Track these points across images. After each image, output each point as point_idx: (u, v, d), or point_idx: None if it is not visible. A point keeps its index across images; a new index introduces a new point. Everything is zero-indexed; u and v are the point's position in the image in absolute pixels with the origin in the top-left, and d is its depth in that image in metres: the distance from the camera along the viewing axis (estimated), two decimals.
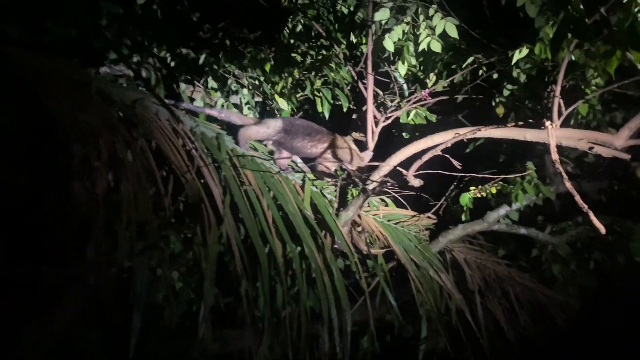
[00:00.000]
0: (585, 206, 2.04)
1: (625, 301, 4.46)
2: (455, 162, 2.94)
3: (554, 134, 2.25)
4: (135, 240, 2.91)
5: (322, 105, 5.20)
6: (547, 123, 2.28)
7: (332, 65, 5.35)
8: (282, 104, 4.43)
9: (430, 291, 3.75)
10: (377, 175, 3.73)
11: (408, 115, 4.56)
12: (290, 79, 5.06)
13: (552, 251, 4.26)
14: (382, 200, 4.46)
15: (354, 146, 4.12)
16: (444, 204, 4.39)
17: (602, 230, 2.04)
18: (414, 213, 4.39)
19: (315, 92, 5.36)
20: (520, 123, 3.07)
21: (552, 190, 3.82)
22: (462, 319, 3.79)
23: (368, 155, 4.10)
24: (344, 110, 5.31)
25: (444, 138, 3.52)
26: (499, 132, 3.29)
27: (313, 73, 5.31)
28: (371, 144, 4.18)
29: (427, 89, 4.31)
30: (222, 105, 4.49)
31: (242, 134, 4.01)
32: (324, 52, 5.34)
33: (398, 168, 3.27)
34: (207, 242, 3.22)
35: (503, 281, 4.25)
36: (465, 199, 3.94)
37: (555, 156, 2.21)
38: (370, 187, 3.70)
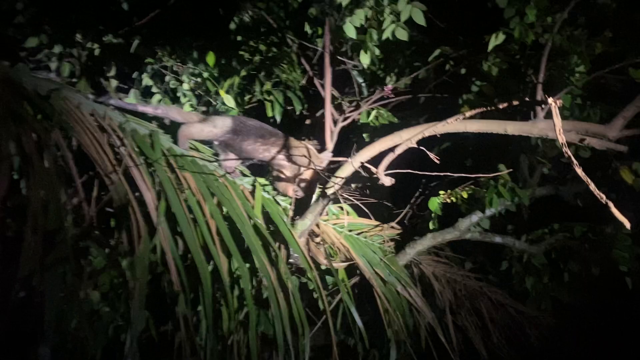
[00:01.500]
0: (604, 197, 1.64)
1: (601, 316, 4.17)
2: (432, 156, 2.51)
3: (557, 112, 1.86)
4: (41, 251, 2.31)
5: (272, 109, 4.74)
6: (550, 100, 1.89)
7: (284, 65, 4.91)
8: (229, 101, 3.92)
9: (399, 309, 3.30)
10: (337, 180, 3.27)
11: (368, 115, 4.14)
12: (237, 79, 4.58)
13: (526, 262, 3.91)
14: (342, 208, 4.00)
15: (311, 147, 3.65)
16: (409, 213, 3.98)
17: (627, 225, 1.65)
18: (377, 223, 3.95)
19: (266, 95, 4.91)
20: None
21: (528, 194, 3.48)
22: (434, 340, 3.35)
23: (327, 156, 3.64)
24: (297, 113, 4.85)
25: (413, 133, 3.10)
26: (476, 126, 2.92)
27: (263, 73, 4.87)
28: (330, 144, 3.72)
29: (389, 85, 3.91)
30: (159, 102, 3.94)
31: (182, 132, 3.47)
32: (274, 49, 4.87)
33: (366, 165, 2.81)
34: (135, 256, 2.64)
35: (474, 296, 3.86)
36: (434, 204, 3.54)
37: (562, 138, 1.81)
38: (330, 191, 3.23)
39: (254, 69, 4.81)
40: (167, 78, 4.14)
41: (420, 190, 4.11)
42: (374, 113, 4.09)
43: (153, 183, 3.08)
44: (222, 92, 3.91)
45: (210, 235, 3.01)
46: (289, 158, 3.60)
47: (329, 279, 3.70)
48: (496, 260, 4.35)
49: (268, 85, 4.95)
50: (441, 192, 3.60)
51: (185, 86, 3.92)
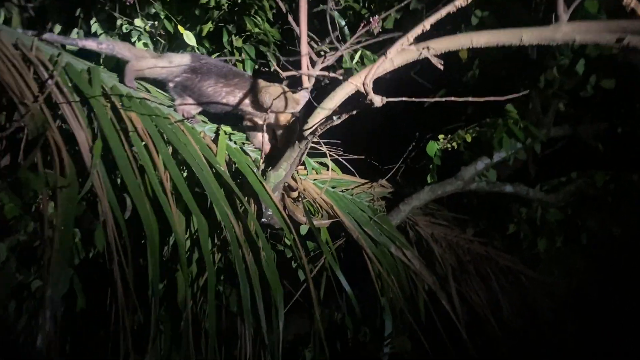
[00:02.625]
0: None
1: (621, 284, 3.64)
2: (435, 61, 1.97)
3: None
4: None
5: (243, 65, 4.16)
6: None
7: (256, 17, 4.33)
8: (190, 39, 3.32)
9: (393, 273, 2.75)
10: (317, 118, 2.70)
11: (353, 58, 3.58)
12: (207, 26, 4.00)
13: (540, 219, 3.36)
14: (322, 165, 3.43)
15: (285, 88, 3.07)
16: (402, 168, 3.43)
17: None
18: (364, 180, 3.40)
19: (235, 49, 4.33)
20: None
21: (543, 133, 2.94)
22: (436, 308, 2.81)
23: (304, 96, 3.07)
24: (271, 70, 4.27)
25: (406, 57, 2.55)
26: (485, 38, 2.36)
27: (231, 25, 4.28)
28: (308, 84, 3.15)
29: (376, 17, 3.34)
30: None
31: (130, 66, 2.90)
32: None
33: (356, 84, 2.26)
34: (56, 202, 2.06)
35: (480, 262, 3.32)
36: (433, 148, 2.99)
37: None
38: (309, 132, 2.66)
39: (220, 20, 4.24)
40: (118, 22, 3.54)
41: (414, 143, 3.56)
42: (358, 54, 3.52)
43: (89, 124, 2.51)
44: (181, 29, 3.31)
45: (160, 185, 2.43)
46: (258, 102, 3.02)
47: (310, 244, 3.14)
48: (502, 224, 3.81)
49: (238, 42, 4.38)
50: (440, 136, 3.06)
51: (138, 22, 3.31)
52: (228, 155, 2.86)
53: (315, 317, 2.35)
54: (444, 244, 3.23)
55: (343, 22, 3.88)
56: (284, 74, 2.53)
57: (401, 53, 2.55)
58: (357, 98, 2.75)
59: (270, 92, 3.05)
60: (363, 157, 3.45)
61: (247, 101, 3.07)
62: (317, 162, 3.33)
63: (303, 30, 3.17)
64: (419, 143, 3.47)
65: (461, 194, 3.76)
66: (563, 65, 2.91)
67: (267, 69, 3.64)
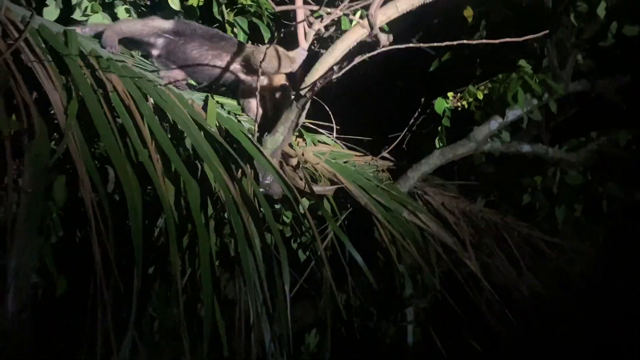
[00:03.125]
0: None
1: None
2: None
3: None
4: None
5: (236, 37, 3.93)
6: None
7: None
8: (174, 3, 3.09)
9: (409, 237, 2.50)
10: (316, 74, 2.47)
11: (352, 22, 3.34)
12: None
13: (560, 184, 3.12)
14: (323, 143, 3.20)
15: (278, 47, 2.83)
16: (408, 136, 3.19)
17: None
18: (364, 153, 3.16)
19: (227, 23, 4.10)
20: None
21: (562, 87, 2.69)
22: (454, 276, 2.57)
23: (301, 54, 2.83)
24: (265, 42, 4.03)
25: (412, 1, 2.32)
26: None
27: None
28: (304, 43, 2.91)
29: None
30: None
31: (110, 28, 2.66)
32: None
33: (359, 20, 2.03)
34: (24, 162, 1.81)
35: (497, 230, 3.08)
36: (442, 106, 2.75)
37: None
38: (306, 89, 2.43)
39: None
40: None
41: (419, 110, 3.32)
42: (358, 14, 3.29)
43: (64, 86, 2.26)
44: None
45: (144, 148, 2.19)
46: (250, 65, 2.78)
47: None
48: (514, 194, 3.58)
49: (230, 15, 4.14)
50: (449, 94, 2.82)
51: None
52: (219, 123, 2.62)
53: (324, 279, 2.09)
54: (456, 213, 2.98)
55: None
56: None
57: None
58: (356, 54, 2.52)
59: (262, 51, 2.81)
60: (366, 138, 3.22)
61: (236, 65, 2.84)
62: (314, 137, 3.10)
63: None
64: (425, 109, 3.23)
65: (469, 165, 3.54)
66: (581, 13, 2.68)
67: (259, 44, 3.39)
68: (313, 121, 3.15)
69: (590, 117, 3.37)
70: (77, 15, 3.09)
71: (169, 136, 2.40)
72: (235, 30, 4.07)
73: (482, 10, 3.49)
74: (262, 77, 2.74)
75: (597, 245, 3.50)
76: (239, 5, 4.15)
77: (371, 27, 1.87)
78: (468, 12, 3.31)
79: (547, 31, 2.10)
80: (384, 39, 1.92)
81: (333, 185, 2.65)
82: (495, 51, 3.52)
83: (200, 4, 3.99)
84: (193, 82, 3.18)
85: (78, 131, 2.10)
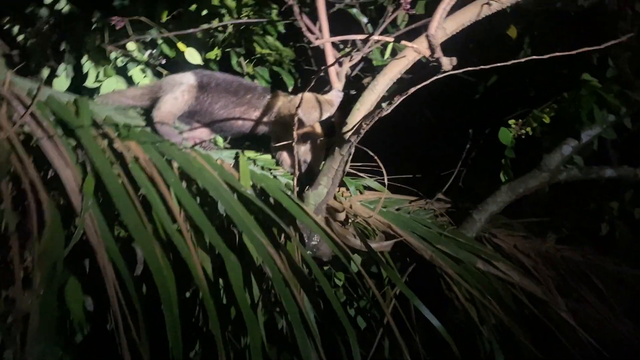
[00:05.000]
0: None
1: None
2: None
3: None
4: None
5: None
6: None
7: (267, 37, 3.91)
8: (194, 57, 2.84)
9: (489, 292, 2.11)
10: (358, 115, 2.17)
11: (383, 54, 3.06)
12: (215, 51, 3.57)
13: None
14: (366, 188, 2.86)
15: (315, 94, 2.53)
16: (463, 171, 2.84)
17: None
18: (415, 197, 2.81)
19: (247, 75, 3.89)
20: None
21: None
22: (544, 329, 2.16)
23: (337, 96, 2.53)
24: (289, 90, 3.78)
25: (462, 20, 2.03)
26: None
27: (239, 48, 3.85)
28: (337, 84, 2.61)
29: None
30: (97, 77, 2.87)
31: (158, 119, 2.36)
32: (250, 13, 3.86)
33: (410, 45, 1.72)
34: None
35: (580, 269, 2.66)
36: (507, 136, 2.40)
37: None
38: (350, 133, 2.12)
39: (227, 45, 3.81)
40: (112, 54, 3.09)
41: (468, 144, 2.96)
42: (390, 47, 3.00)
43: (77, 161, 1.99)
44: (182, 46, 2.84)
45: (170, 219, 1.89)
46: (284, 116, 2.49)
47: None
48: (590, 225, 3.16)
49: (249, 67, 3.93)
50: (511, 121, 2.47)
51: (132, 46, 2.84)
52: (253, 181, 2.31)
53: None
54: (532, 255, 2.59)
55: (365, 19, 3.38)
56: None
57: (455, 16, 2.03)
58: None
59: (298, 100, 2.53)
60: (412, 175, 2.87)
61: (267, 118, 2.55)
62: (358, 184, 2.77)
63: (324, 22, 2.66)
64: (475, 139, 2.88)
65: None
66: None
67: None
68: (353, 164, 2.84)
69: None
70: (90, 82, 2.88)
71: (199, 202, 2.10)
72: (256, 80, 3.86)
73: (525, 27, 3.18)
74: (294, 125, 2.44)
75: None
76: (258, 56, 3.95)
77: (432, 49, 1.56)
78: (512, 31, 3.00)
79: (626, 36, 1.75)
80: (447, 62, 1.62)
81: (390, 240, 2.29)
82: (544, 69, 3.18)
83: (219, 57, 3.81)
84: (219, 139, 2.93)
85: (97, 211, 1.82)
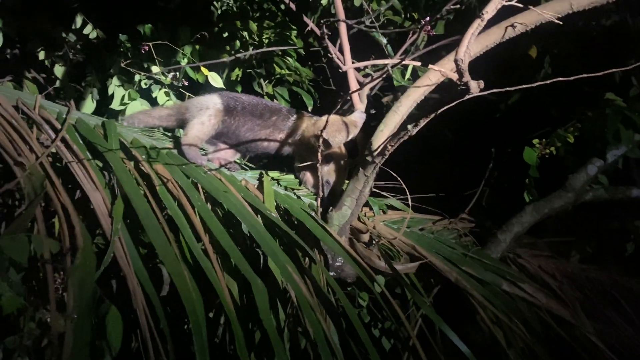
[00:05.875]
0: None
1: None
2: None
3: None
4: None
5: None
6: None
7: (286, 59, 3.97)
8: (216, 80, 2.88)
9: (516, 315, 2.09)
10: (382, 137, 2.18)
11: (404, 75, 3.08)
12: (237, 71, 3.63)
13: None
14: (390, 207, 2.86)
15: (339, 116, 2.55)
16: (486, 191, 2.83)
17: None
18: (439, 217, 2.80)
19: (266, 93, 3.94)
20: None
21: None
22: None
23: (361, 117, 2.54)
24: (309, 110, 3.82)
25: (486, 42, 2.04)
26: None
27: (260, 69, 3.90)
28: (360, 105, 2.63)
29: (427, 18, 2.84)
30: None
31: (186, 143, 2.38)
32: (271, 35, 3.92)
33: (441, 70, 1.73)
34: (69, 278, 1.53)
35: (606, 290, 2.63)
36: (532, 155, 2.39)
37: None
38: (375, 154, 2.13)
39: (248, 66, 3.86)
40: (136, 77, 3.15)
41: (491, 164, 2.95)
42: (410, 68, 3.02)
43: (106, 184, 2.03)
44: (205, 70, 2.88)
45: (198, 243, 1.90)
46: (308, 137, 2.51)
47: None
48: (615, 245, 3.12)
49: (269, 88, 3.99)
50: (535, 140, 2.46)
51: (156, 69, 2.89)
52: (277, 202, 2.32)
53: None
54: (557, 275, 2.56)
55: (385, 40, 3.41)
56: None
57: (479, 38, 2.04)
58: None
59: (324, 122, 2.55)
60: (435, 194, 2.87)
61: (292, 139, 2.57)
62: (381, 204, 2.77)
63: (346, 47, 2.69)
64: (498, 159, 2.87)
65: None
66: None
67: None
68: (376, 182, 2.84)
69: None
70: (115, 104, 2.94)
71: (224, 224, 2.12)
72: (275, 100, 3.91)
73: (545, 46, 3.18)
74: (319, 146, 2.46)
75: None
76: (277, 76, 4.00)
77: (461, 74, 1.57)
78: (533, 51, 3.00)
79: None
80: (475, 86, 1.62)
81: (415, 262, 2.28)
82: (566, 88, 3.17)
83: (239, 78, 3.86)
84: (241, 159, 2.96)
85: (126, 234, 1.85)
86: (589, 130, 2.38)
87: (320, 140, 2.25)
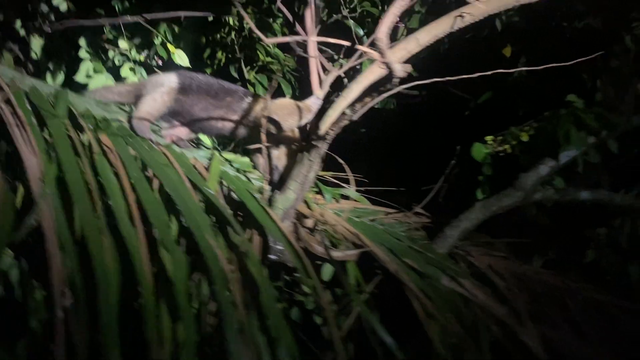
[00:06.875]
0: None
1: None
2: None
3: None
4: None
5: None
6: None
7: (268, 47, 3.97)
8: (182, 58, 2.87)
9: (451, 310, 2.06)
10: (329, 120, 2.16)
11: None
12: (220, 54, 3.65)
13: (631, 237, 2.63)
14: (344, 197, 2.84)
15: (292, 100, 2.55)
16: (444, 188, 2.80)
17: None
18: (393, 210, 2.78)
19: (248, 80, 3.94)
20: None
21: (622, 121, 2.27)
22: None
23: (315, 102, 2.53)
24: (288, 97, 3.81)
25: (435, 32, 2.01)
26: None
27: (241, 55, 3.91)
28: (318, 91, 2.61)
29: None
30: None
31: (136, 117, 2.40)
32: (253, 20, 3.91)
33: (367, 49, 1.73)
34: None
35: (557, 295, 2.59)
36: (481, 152, 2.36)
37: None
38: (320, 139, 2.11)
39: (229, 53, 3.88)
40: (110, 53, 3.16)
41: (454, 160, 2.91)
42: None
43: (48, 151, 2.02)
44: (172, 48, 2.88)
45: (128, 215, 1.89)
46: (261, 120, 2.49)
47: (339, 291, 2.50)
48: (576, 251, 3.09)
49: (250, 75, 3.98)
50: (488, 137, 2.44)
51: (123, 44, 2.89)
52: (223, 182, 2.32)
53: None
54: (507, 276, 2.53)
55: (362, 32, 3.39)
56: None
57: (428, 27, 2.02)
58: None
59: (277, 105, 2.55)
60: (395, 188, 2.86)
61: (245, 121, 2.56)
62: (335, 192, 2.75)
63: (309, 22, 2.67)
64: (462, 156, 2.85)
65: (520, 218, 3.08)
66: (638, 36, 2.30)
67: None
68: (334, 173, 2.83)
69: None
70: (80, 77, 2.94)
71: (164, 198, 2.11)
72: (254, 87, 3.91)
73: (520, 47, 3.15)
74: (270, 129, 2.45)
75: None
76: (259, 64, 4.00)
77: (381, 52, 1.54)
78: (507, 51, 2.97)
79: (601, 52, 1.72)
80: (399, 69, 1.59)
81: (356, 249, 2.26)
82: (539, 89, 3.13)
83: (222, 62, 3.88)
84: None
85: (56, 200, 1.84)
86: (542, 130, 2.35)
87: (270, 121, 2.24)
